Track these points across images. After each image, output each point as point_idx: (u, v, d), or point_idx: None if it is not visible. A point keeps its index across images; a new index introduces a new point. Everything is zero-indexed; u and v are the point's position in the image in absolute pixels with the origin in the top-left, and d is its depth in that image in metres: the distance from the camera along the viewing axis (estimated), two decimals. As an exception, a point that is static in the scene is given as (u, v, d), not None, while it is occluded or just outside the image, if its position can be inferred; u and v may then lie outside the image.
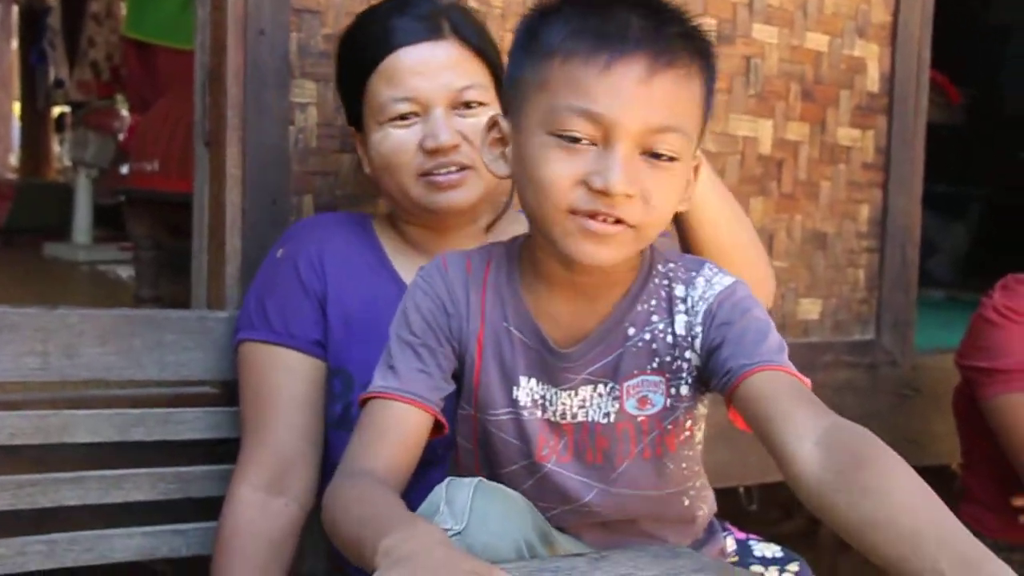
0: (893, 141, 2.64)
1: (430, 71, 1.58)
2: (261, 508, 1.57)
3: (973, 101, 5.22)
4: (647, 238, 1.23)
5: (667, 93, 1.17)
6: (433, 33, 1.60)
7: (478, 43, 1.63)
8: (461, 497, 1.18)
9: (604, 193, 1.15)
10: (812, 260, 2.58)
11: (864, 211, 2.64)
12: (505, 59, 1.67)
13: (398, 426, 1.26)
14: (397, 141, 1.59)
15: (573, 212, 1.17)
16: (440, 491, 1.20)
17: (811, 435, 1.08)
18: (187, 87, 2.61)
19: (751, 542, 1.62)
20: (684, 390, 1.28)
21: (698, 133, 1.24)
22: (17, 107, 8.46)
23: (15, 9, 8.07)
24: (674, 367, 1.27)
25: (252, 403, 1.63)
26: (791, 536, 2.89)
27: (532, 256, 1.29)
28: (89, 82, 6.17)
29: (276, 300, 1.65)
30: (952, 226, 5.12)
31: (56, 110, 7.72)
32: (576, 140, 1.17)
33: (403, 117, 1.59)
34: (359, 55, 1.63)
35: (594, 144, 1.17)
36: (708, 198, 1.52)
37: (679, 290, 1.27)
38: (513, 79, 1.26)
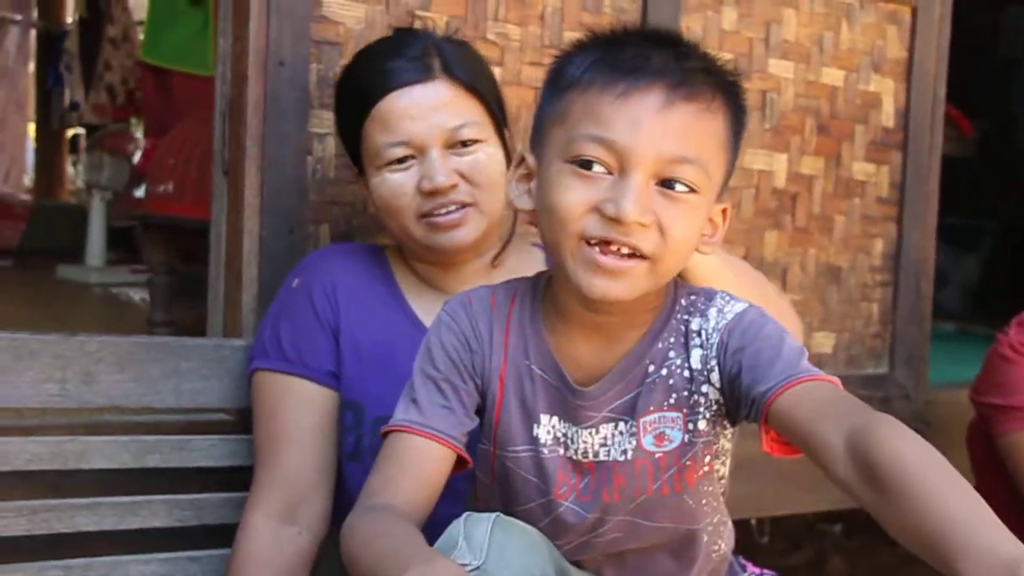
0: (908, 176, 2.65)
1: (422, 113, 1.58)
2: (274, 536, 1.57)
3: (984, 134, 5.23)
4: (663, 273, 1.21)
5: (685, 124, 1.17)
6: (423, 74, 1.60)
7: (470, 80, 1.62)
8: (479, 532, 1.18)
9: (617, 221, 1.15)
10: (825, 294, 2.58)
11: (878, 245, 2.65)
12: (503, 93, 1.69)
13: (419, 461, 1.26)
14: (395, 185, 1.60)
15: (585, 240, 1.18)
16: (458, 526, 1.20)
17: (838, 447, 1.06)
18: (204, 112, 2.63)
19: (766, 576, 1.61)
20: (702, 425, 1.27)
21: (722, 172, 1.23)
22: (32, 128, 8.50)
23: (33, 33, 8.13)
24: (691, 402, 1.27)
25: (265, 432, 1.64)
26: (800, 568, 2.88)
27: (555, 294, 1.29)
28: (104, 105, 6.21)
29: (291, 330, 1.65)
30: (963, 258, 5.11)
31: (70, 132, 7.76)
32: (591, 165, 1.17)
33: (400, 161, 1.59)
34: (353, 100, 1.64)
35: (610, 173, 1.17)
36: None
37: (695, 323, 1.27)
38: (538, 116, 1.27)
